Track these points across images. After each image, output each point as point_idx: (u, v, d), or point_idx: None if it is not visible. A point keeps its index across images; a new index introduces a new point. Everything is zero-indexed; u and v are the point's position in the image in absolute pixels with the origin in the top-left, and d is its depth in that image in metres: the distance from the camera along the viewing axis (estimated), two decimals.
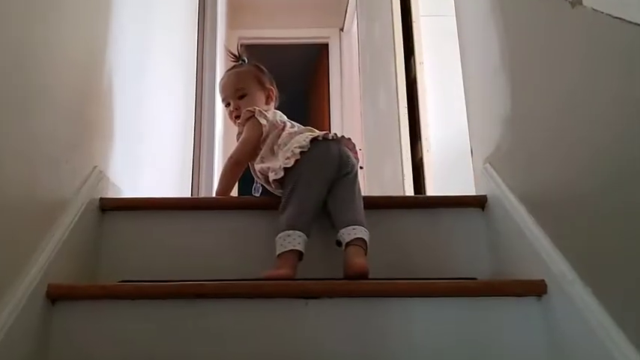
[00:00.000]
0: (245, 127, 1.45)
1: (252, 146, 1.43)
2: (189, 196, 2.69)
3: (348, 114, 4.39)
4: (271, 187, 1.36)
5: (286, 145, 1.35)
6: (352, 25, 4.28)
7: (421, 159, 2.43)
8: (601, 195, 0.89)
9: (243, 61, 1.61)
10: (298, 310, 1.04)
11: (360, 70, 3.79)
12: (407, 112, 2.55)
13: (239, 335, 1.03)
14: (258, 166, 1.40)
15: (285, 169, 1.28)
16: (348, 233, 1.20)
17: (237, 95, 1.53)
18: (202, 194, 2.94)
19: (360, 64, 3.80)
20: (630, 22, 0.78)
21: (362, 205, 1.28)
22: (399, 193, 2.45)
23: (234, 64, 1.63)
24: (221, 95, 1.59)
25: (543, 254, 1.06)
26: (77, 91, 1.22)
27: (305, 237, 1.20)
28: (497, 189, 1.29)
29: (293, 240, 1.18)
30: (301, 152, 1.28)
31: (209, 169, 3.07)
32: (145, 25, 1.83)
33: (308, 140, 1.29)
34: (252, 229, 1.33)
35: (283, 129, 1.42)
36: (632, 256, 0.81)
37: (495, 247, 1.30)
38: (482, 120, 1.47)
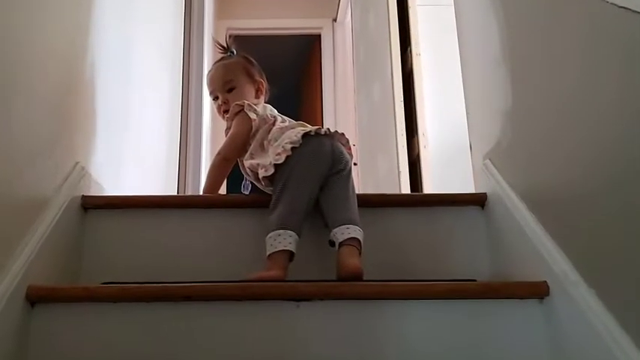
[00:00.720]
0: (234, 122, 1.44)
1: (241, 142, 1.41)
2: (176, 193, 2.67)
3: (341, 108, 4.37)
4: (261, 184, 1.34)
5: (277, 140, 1.33)
6: (346, 15, 4.26)
7: (418, 155, 2.41)
8: (604, 194, 0.88)
9: (232, 52, 1.59)
10: (289, 312, 1.02)
11: (354, 62, 3.78)
12: (403, 106, 2.54)
13: (227, 338, 1.01)
14: (247, 163, 1.38)
15: (276, 165, 1.26)
16: (342, 233, 1.18)
17: (225, 88, 1.51)
18: (189, 192, 2.92)
19: (354, 55, 3.79)
20: (635, 12, 0.77)
21: (356, 204, 1.27)
22: (395, 191, 2.44)
23: (222, 55, 1.60)
24: (209, 88, 1.58)
25: (545, 254, 1.05)
26: (58, 84, 1.20)
27: (296, 237, 1.19)
28: (497, 186, 1.28)
29: (284, 240, 1.17)
30: (292, 148, 1.26)
31: (196, 165, 3.06)
32: (128, 15, 1.81)
33: (300, 135, 1.27)
34: (241, 229, 1.31)
35: (274, 124, 1.40)
36: (636, 256, 0.80)
37: (495, 247, 1.29)
38: (482, 114, 1.46)
